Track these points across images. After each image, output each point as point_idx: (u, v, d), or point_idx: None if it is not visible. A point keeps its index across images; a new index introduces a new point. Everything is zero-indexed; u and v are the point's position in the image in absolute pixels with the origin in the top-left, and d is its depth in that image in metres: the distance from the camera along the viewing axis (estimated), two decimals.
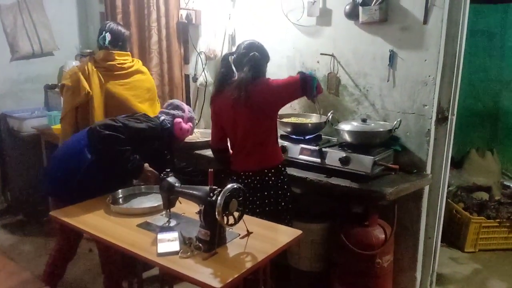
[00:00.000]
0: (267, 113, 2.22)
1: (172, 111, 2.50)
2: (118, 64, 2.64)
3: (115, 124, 2.18)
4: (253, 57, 2.19)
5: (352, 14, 2.54)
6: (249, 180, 2.24)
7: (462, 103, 4.42)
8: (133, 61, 2.74)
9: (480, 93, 4.49)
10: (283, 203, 2.29)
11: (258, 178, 2.23)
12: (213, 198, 1.62)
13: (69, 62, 3.84)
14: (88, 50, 3.99)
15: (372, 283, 2.40)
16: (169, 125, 2.45)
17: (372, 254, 2.34)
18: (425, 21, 2.32)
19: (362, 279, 2.40)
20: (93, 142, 2.17)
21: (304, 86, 2.17)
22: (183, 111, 2.52)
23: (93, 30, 3.99)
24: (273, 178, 2.25)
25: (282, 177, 2.29)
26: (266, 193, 2.25)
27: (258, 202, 2.24)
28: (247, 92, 2.13)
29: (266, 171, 2.24)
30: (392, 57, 2.45)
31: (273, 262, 2.25)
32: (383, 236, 2.39)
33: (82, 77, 2.58)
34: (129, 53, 2.76)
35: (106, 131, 2.13)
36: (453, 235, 3.46)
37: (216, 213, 1.58)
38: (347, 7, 2.55)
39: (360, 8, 2.47)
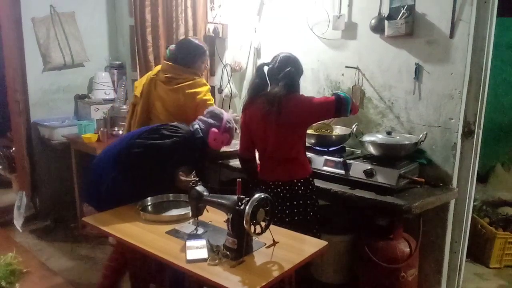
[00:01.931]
0: (297, 129, 2.25)
1: (209, 120, 2.41)
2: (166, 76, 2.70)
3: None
4: (289, 73, 2.21)
5: (377, 28, 2.57)
6: (279, 190, 2.27)
7: (488, 116, 4.33)
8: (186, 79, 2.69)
9: (505, 107, 4.42)
10: (311, 213, 2.32)
11: (287, 188, 2.26)
12: (241, 207, 1.65)
13: (98, 74, 3.98)
14: (118, 62, 4.13)
15: None
16: (201, 134, 2.37)
17: (396, 268, 2.33)
18: (452, 35, 2.33)
19: None
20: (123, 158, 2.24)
21: (339, 108, 2.19)
22: (221, 120, 2.41)
23: (123, 42, 4.12)
24: (302, 188, 2.28)
25: (311, 187, 2.32)
26: (295, 203, 2.27)
27: (287, 212, 2.26)
28: (279, 108, 2.16)
29: (295, 181, 2.26)
30: (418, 70, 2.47)
31: (297, 273, 2.29)
32: (408, 249, 2.38)
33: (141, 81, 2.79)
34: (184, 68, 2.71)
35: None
36: (478, 251, 3.39)
37: (244, 222, 1.61)
38: (373, 21, 2.58)
39: (386, 22, 2.50)
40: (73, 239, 3.51)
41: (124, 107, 3.82)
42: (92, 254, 3.33)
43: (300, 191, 2.27)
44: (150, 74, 2.81)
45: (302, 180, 2.28)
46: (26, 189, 3.79)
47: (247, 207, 1.62)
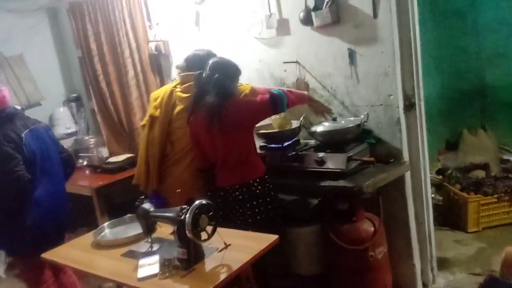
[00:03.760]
0: (242, 133, 2.27)
1: None
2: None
3: None
4: (217, 81, 2.21)
5: (306, 20, 2.61)
6: (237, 193, 2.29)
7: (447, 84, 4.46)
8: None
9: (463, 73, 4.50)
10: (273, 210, 2.34)
11: (245, 189, 2.28)
12: (183, 217, 1.68)
13: (56, 110, 4.00)
14: (74, 95, 4.16)
15: (369, 277, 2.41)
16: None
17: (363, 249, 2.36)
18: (375, 15, 2.38)
19: (359, 275, 2.41)
20: None
21: (274, 105, 2.22)
22: None
23: (76, 75, 4.15)
24: (259, 188, 2.30)
25: (267, 184, 2.34)
26: (255, 203, 2.29)
27: (248, 213, 2.29)
28: (219, 118, 2.17)
29: (251, 182, 2.29)
30: (351, 54, 2.51)
31: (269, 269, 2.32)
32: (372, 228, 2.41)
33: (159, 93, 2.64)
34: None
35: None
36: (455, 218, 3.45)
37: (187, 231, 1.64)
38: (301, 14, 2.63)
39: (313, 13, 2.55)
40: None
41: (86, 137, 3.84)
42: None
43: (257, 191, 2.29)
44: (168, 87, 2.61)
45: (257, 180, 2.30)
46: None
47: (187, 216, 1.65)
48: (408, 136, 2.51)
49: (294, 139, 2.73)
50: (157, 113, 2.49)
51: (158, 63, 3.45)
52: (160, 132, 2.46)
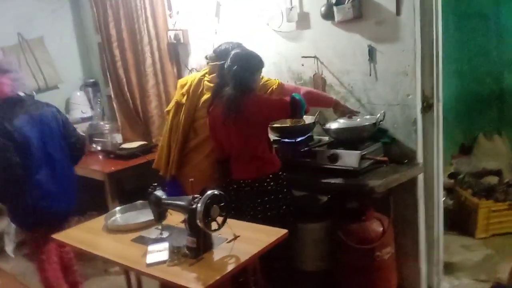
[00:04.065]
0: (256, 129, 2.26)
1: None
2: None
3: None
4: (235, 73, 2.19)
5: (328, 15, 2.59)
6: (249, 188, 2.28)
7: (467, 87, 4.39)
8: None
9: (483, 77, 4.42)
10: (284, 207, 2.32)
11: (257, 185, 2.27)
12: (194, 206, 1.69)
13: (74, 94, 4.04)
14: (92, 80, 4.19)
15: (374, 277, 2.41)
16: None
17: (370, 248, 2.35)
18: (398, 13, 2.35)
19: (364, 274, 2.41)
20: None
21: (293, 110, 2.21)
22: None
23: (94, 60, 4.18)
24: (272, 183, 2.28)
25: (281, 181, 2.32)
26: (266, 199, 2.28)
27: (259, 208, 2.28)
28: (236, 111, 2.16)
29: (264, 177, 2.27)
30: (371, 51, 2.49)
31: (276, 264, 2.32)
32: (381, 229, 2.40)
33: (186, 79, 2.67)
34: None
35: None
36: (464, 223, 3.41)
37: (198, 220, 1.65)
38: (323, 9, 2.60)
39: (335, 8, 2.53)
40: None
41: (102, 123, 3.87)
42: (82, 272, 3.36)
43: (269, 187, 2.27)
44: (196, 75, 2.61)
45: (271, 176, 2.28)
46: None
47: (199, 205, 1.66)
48: (423, 137, 2.48)
49: (308, 135, 2.73)
50: (184, 99, 2.51)
51: (176, 52, 3.46)
52: (185, 119, 2.48)
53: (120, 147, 3.53)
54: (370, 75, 2.54)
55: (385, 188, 2.23)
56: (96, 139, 3.67)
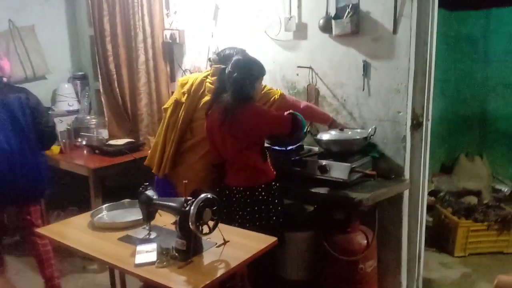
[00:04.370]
0: (252, 140, 2.24)
1: None
2: None
3: None
4: (234, 80, 2.16)
5: (326, 28, 2.63)
6: (240, 195, 2.26)
7: (451, 109, 4.51)
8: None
9: (467, 99, 4.56)
10: (274, 217, 2.31)
11: (248, 193, 2.25)
12: (187, 209, 1.68)
13: (61, 85, 3.96)
14: (80, 73, 4.13)
15: None
16: None
17: (354, 260, 2.38)
18: (395, 31, 2.41)
19: (346, 286, 2.44)
20: None
21: (295, 129, 2.22)
22: None
23: (84, 53, 4.12)
24: (263, 193, 2.26)
25: (273, 192, 2.30)
26: (256, 208, 2.26)
27: (248, 217, 2.26)
28: (232, 119, 2.14)
29: (256, 186, 2.25)
30: (366, 67, 2.54)
31: (259, 271, 2.32)
32: (365, 241, 2.43)
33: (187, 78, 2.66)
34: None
35: None
36: (443, 240, 3.48)
37: (190, 223, 1.64)
38: (321, 21, 2.64)
39: (333, 21, 2.57)
40: None
41: (88, 117, 3.82)
42: (60, 267, 3.29)
43: (260, 197, 2.26)
44: (198, 75, 2.60)
45: (263, 186, 2.26)
46: None
47: (191, 208, 1.65)
48: (411, 154, 2.54)
49: (299, 144, 2.74)
50: (184, 98, 2.48)
51: (170, 52, 3.44)
52: (184, 118, 2.46)
53: (107, 143, 3.48)
54: (363, 89, 2.58)
55: (373, 201, 2.27)
56: (82, 133, 3.60)
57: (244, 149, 2.23)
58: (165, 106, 2.62)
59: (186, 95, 2.48)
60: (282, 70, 2.94)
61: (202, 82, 2.50)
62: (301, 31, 2.78)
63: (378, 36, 2.47)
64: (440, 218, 3.57)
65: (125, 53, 3.57)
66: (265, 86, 2.51)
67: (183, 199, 1.75)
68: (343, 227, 2.45)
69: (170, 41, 3.34)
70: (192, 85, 2.49)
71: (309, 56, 2.78)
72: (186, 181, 1.81)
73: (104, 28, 3.58)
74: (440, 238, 3.51)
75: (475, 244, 3.36)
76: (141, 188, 1.90)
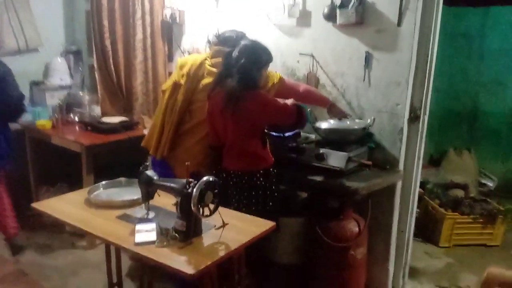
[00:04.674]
0: (254, 126, 2.23)
1: None
2: None
3: None
4: (241, 66, 2.13)
5: (330, 16, 2.63)
6: (238, 180, 2.26)
7: (442, 103, 4.58)
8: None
9: (459, 94, 4.63)
10: (271, 203, 2.32)
11: (246, 178, 2.25)
12: (189, 190, 1.68)
13: (54, 59, 3.87)
14: (74, 48, 4.04)
15: (346, 275, 2.49)
16: None
17: (345, 246, 2.43)
18: (399, 24, 2.41)
19: (337, 271, 2.49)
20: None
21: (299, 120, 2.23)
22: None
23: (79, 27, 4.02)
24: (261, 179, 2.27)
25: (270, 177, 2.31)
26: (253, 193, 2.27)
27: (245, 202, 2.26)
28: (236, 106, 2.12)
29: (255, 171, 2.25)
30: (368, 58, 2.55)
31: (251, 255, 2.35)
32: (357, 229, 2.48)
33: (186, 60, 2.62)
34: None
35: None
36: (429, 231, 3.57)
37: (192, 204, 1.65)
38: (326, 9, 2.63)
39: (338, 10, 2.56)
40: (29, 228, 3.44)
41: (81, 93, 3.76)
42: (48, 242, 3.29)
43: (258, 182, 2.26)
44: (198, 57, 2.56)
45: (261, 171, 2.27)
46: None
47: (194, 190, 1.65)
48: (406, 146, 2.58)
49: (296, 131, 2.76)
50: (183, 80, 2.45)
51: (169, 31, 3.40)
52: (183, 101, 2.43)
53: (101, 120, 3.43)
54: (363, 80, 2.60)
55: (368, 190, 2.31)
56: (75, 109, 3.55)
57: (245, 135, 2.22)
58: (163, 88, 2.59)
59: (185, 77, 2.45)
60: (282, 57, 2.93)
61: (201, 64, 2.46)
62: (304, 18, 2.77)
63: (382, 28, 2.47)
64: (427, 209, 3.65)
65: (122, 29, 3.50)
66: (269, 73, 2.50)
67: (184, 180, 1.75)
68: (336, 214, 2.49)
69: (170, 20, 3.29)
70: (191, 67, 2.46)
71: (311, 44, 2.77)
72: (188, 163, 1.81)
73: (101, 3, 3.48)
74: (426, 229, 3.60)
75: (460, 236, 3.45)
76: (141, 168, 1.89)
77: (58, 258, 3.08)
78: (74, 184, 3.28)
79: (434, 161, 4.54)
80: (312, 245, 2.56)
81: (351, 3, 2.50)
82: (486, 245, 3.45)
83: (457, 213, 3.45)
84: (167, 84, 2.56)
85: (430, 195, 3.75)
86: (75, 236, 3.30)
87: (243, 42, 2.22)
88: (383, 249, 2.68)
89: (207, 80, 2.41)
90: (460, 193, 3.76)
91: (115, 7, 3.47)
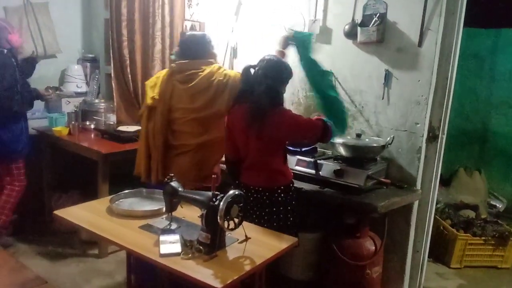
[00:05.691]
0: (277, 143, 2.22)
1: None
2: None
3: None
4: (272, 84, 2.13)
5: (351, 34, 2.66)
6: (259, 196, 2.24)
7: (452, 123, 4.55)
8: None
9: (470, 114, 4.65)
10: (291, 218, 2.30)
11: (267, 194, 2.23)
12: (216, 203, 1.69)
13: (71, 66, 3.91)
14: (91, 55, 4.08)
15: None
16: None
17: (362, 265, 2.42)
18: (420, 44, 2.44)
19: None
20: None
21: (325, 135, 2.20)
22: None
23: (97, 35, 4.07)
24: (282, 195, 2.25)
25: (291, 193, 2.30)
26: (274, 209, 2.24)
27: (266, 218, 2.24)
28: (261, 123, 2.11)
29: (276, 188, 2.23)
30: (387, 76, 2.57)
31: (267, 269, 2.34)
32: (373, 247, 2.48)
33: (155, 81, 2.53)
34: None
35: None
36: (440, 251, 3.55)
37: (218, 217, 1.65)
38: (346, 27, 2.67)
39: (359, 28, 2.60)
40: (41, 234, 3.44)
41: (96, 101, 3.78)
42: (60, 249, 3.28)
43: (280, 198, 2.24)
44: (162, 75, 2.47)
45: (282, 187, 2.25)
46: None
47: (221, 203, 1.66)
48: (424, 166, 2.58)
49: (313, 146, 2.77)
50: (155, 103, 2.38)
51: None
52: (161, 123, 2.37)
53: (118, 129, 3.45)
54: (382, 98, 2.62)
55: (386, 209, 2.31)
56: (93, 117, 3.57)
57: (268, 151, 2.21)
58: (139, 112, 2.53)
59: (157, 99, 2.37)
60: (301, 72, 2.92)
61: (168, 82, 2.39)
62: (324, 34, 2.80)
63: (402, 47, 2.50)
64: (439, 229, 3.63)
65: (141, 39, 3.54)
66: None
67: (210, 193, 1.76)
68: (352, 231, 2.49)
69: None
70: (160, 87, 2.39)
71: (331, 60, 2.80)
72: (215, 176, 1.82)
73: (121, 13, 3.53)
74: (437, 249, 3.58)
75: (471, 257, 3.43)
76: (166, 179, 1.90)
77: (70, 265, 3.07)
78: (87, 191, 3.29)
79: (443, 180, 4.52)
80: (327, 262, 2.55)
81: (372, 22, 2.53)
82: (497, 267, 3.43)
83: (469, 234, 3.44)
84: (142, 109, 2.49)
85: (442, 215, 3.74)
86: (87, 244, 3.30)
87: (266, 57, 2.22)
88: (399, 269, 2.67)
89: (177, 98, 2.35)
90: (471, 214, 3.75)
91: (134, 18, 3.51)
